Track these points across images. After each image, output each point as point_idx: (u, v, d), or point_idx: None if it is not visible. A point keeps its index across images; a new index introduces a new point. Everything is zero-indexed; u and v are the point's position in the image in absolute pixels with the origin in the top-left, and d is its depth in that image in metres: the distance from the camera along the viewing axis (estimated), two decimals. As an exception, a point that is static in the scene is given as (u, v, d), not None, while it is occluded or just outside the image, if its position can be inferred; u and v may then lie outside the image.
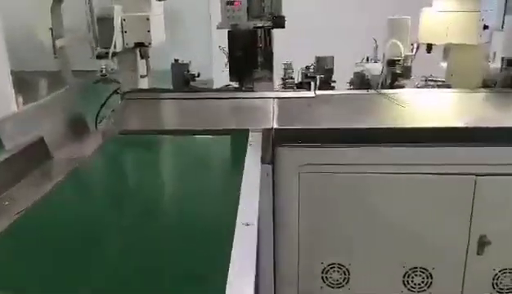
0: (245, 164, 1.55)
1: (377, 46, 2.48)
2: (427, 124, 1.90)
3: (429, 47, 2.43)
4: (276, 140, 1.89)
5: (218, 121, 2.05)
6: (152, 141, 1.91)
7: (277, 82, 2.44)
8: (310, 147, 1.90)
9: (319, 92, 2.29)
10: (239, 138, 1.76)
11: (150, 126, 2.04)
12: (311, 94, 2.25)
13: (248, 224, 1.16)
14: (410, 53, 2.36)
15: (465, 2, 2.22)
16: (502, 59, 2.35)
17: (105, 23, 2.19)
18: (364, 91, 2.28)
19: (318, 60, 2.37)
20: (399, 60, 2.31)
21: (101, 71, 2.53)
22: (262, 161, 1.85)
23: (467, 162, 1.87)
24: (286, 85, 2.43)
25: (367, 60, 2.51)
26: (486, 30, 2.25)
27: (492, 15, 2.28)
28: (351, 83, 2.45)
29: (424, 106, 2.15)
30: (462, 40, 2.26)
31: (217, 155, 1.81)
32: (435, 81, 2.60)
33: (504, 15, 4.18)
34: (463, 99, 2.17)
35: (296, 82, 2.45)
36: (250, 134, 1.81)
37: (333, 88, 2.38)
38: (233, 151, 1.83)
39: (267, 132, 1.87)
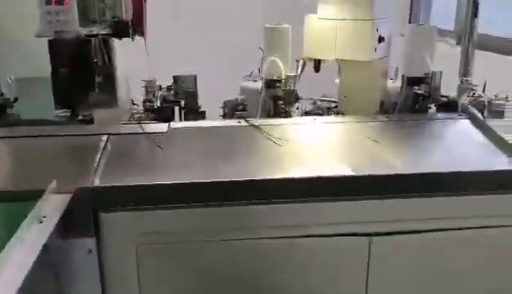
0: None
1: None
2: (302, 173, 1.40)
3: (317, 64, 1.97)
4: (98, 203, 1.31)
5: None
6: None
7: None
8: (150, 210, 1.34)
9: (176, 125, 1.73)
10: (21, 209, 1.16)
11: None
12: (162, 128, 1.69)
13: None
14: (293, 73, 1.88)
15: (355, 8, 1.78)
16: (402, 77, 1.95)
17: None
18: (234, 123, 1.76)
19: (176, 79, 1.82)
20: (279, 81, 1.82)
21: None
22: (81, 233, 1.29)
23: (358, 219, 1.42)
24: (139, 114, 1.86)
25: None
26: (382, 43, 1.83)
27: (387, 22, 1.86)
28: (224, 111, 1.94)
29: (305, 144, 1.65)
30: (352, 55, 1.81)
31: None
32: (330, 101, 2.17)
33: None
34: (354, 131, 1.72)
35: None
36: (47, 198, 1.21)
37: (203, 118, 1.85)
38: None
39: (82, 193, 1.28)
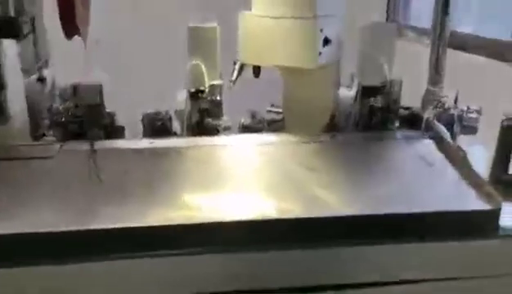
0: None
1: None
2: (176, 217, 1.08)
3: (256, 69, 1.65)
4: None
5: None
6: None
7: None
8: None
9: (72, 146, 1.41)
10: None
11: None
12: (50, 151, 1.36)
13: None
14: (224, 79, 1.56)
15: (294, 3, 1.45)
16: (358, 87, 1.63)
17: None
18: (146, 144, 1.43)
19: (76, 89, 1.50)
20: (203, 91, 1.50)
21: None
22: None
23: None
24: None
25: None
26: (329, 46, 1.50)
27: (336, 21, 1.54)
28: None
29: (208, 174, 1.30)
30: (292, 61, 1.49)
31: None
32: (276, 112, 1.85)
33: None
34: (287, 154, 1.39)
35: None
36: None
37: (121, 136, 1.54)
38: None
39: None
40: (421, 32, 3.13)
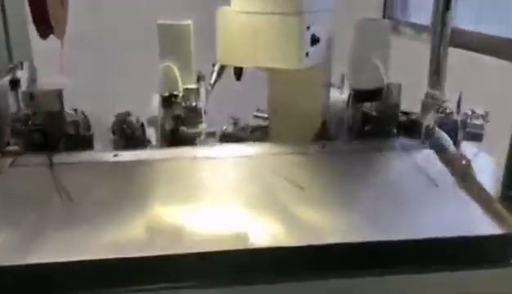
0: None
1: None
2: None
3: (238, 71, 1.48)
4: None
5: None
6: None
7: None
8: None
9: (22, 161, 1.24)
10: None
11: None
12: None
13: None
14: (195, 86, 1.39)
15: (276, -2, 1.29)
16: (350, 90, 1.47)
17: None
18: (110, 156, 1.27)
19: (32, 96, 1.33)
20: (176, 96, 1.34)
21: None
22: None
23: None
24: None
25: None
26: (317, 45, 1.34)
27: (325, 17, 1.38)
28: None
29: (182, 195, 1.14)
30: (277, 62, 1.33)
31: None
32: (262, 117, 1.69)
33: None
34: (272, 168, 1.23)
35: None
36: None
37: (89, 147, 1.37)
38: None
39: None
40: (420, 29, 2.96)
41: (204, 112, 1.44)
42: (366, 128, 1.41)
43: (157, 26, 1.34)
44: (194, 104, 1.34)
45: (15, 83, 1.61)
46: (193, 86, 1.35)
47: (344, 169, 1.23)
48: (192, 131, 1.35)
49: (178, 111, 1.35)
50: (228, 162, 1.26)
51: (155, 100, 1.43)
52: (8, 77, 1.51)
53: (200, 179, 1.19)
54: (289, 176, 1.15)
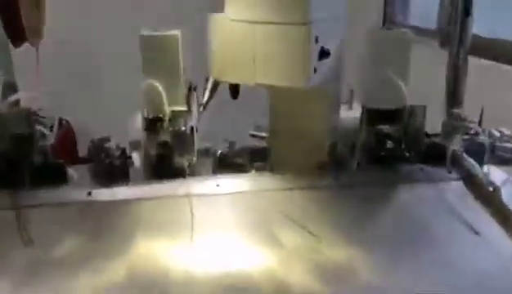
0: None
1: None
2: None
3: (234, 89, 1.29)
4: None
5: None
6: None
7: None
8: None
9: None
10: None
11: None
12: None
13: None
14: (184, 108, 1.19)
15: (280, 4, 1.09)
16: (362, 110, 1.28)
17: None
18: (83, 196, 1.06)
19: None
20: (161, 119, 1.13)
21: None
22: None
23: None
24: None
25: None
26: (326, 59, 1.15)
27: (336, 27, 1.19)
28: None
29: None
30: (279, 79, 1.13)
31: None
32: (261, 136, 1.51)
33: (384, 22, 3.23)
34: (276, 207, 1.03)
35: None
36: None
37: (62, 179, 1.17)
38: None
39: None
40: (423, 33, 2.78)
41: (196, 130, 1.26)
42: (382, 153, 1.22)
43: (139, 38, 1.14)
44: (183, 128, 1.14)
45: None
46: (182, 108, 1.14)
47: (363, 209, 1.04)
48: (181, 160, 1.15)
49: (165, 137, 1.15)
50: (225, 200, 1.06)
51: (138, 121, 1.24)
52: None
53: (189, 222, 0.99)
54: (300, 219, 0.96)
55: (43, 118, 1.25)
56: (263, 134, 1.52)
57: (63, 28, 2.86)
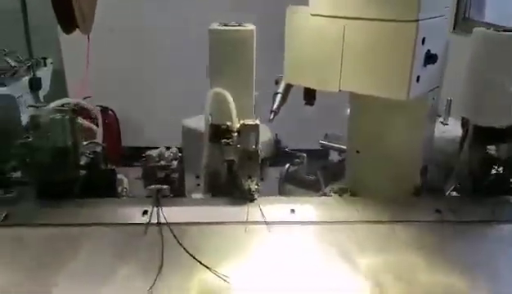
0: None
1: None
2: None
3: (310, 95, 1.09)
4: None
5: None
6: None
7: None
8: None
9: None
10: None
11: None
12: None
13: None
14: (254, 121, 1.00)
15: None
16: (463, 122, 1.07)
17: None
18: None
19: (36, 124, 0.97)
20: (229, 131, 0.95)
21: None
22: None
23: None
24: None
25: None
26: (431, 65, 0.94)
27: (443, 27, 0.98)
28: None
29: None
30: (373, 89, 0.93)
31: None
32: (331, 146, 1.34)
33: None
34: (371, 247, 0.83)
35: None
36: None
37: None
38: None
39: None
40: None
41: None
42: (491, 178, 1.01)
43: (208, 32, 0.96)
44: (253, 147, 0.95)
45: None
46: (251, 122, 0.95)
47: (479, 255, 0.82)
48: (248, 184, 0.97)
49: (230, 154, 0.96)
50: (296, 232, 0.87)
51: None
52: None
53: (254, 256, 0.81)
54: (398, 266, 0.76)
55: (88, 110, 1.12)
56: (335, 144, 1.34)
57: (114, 15, 2.73)
